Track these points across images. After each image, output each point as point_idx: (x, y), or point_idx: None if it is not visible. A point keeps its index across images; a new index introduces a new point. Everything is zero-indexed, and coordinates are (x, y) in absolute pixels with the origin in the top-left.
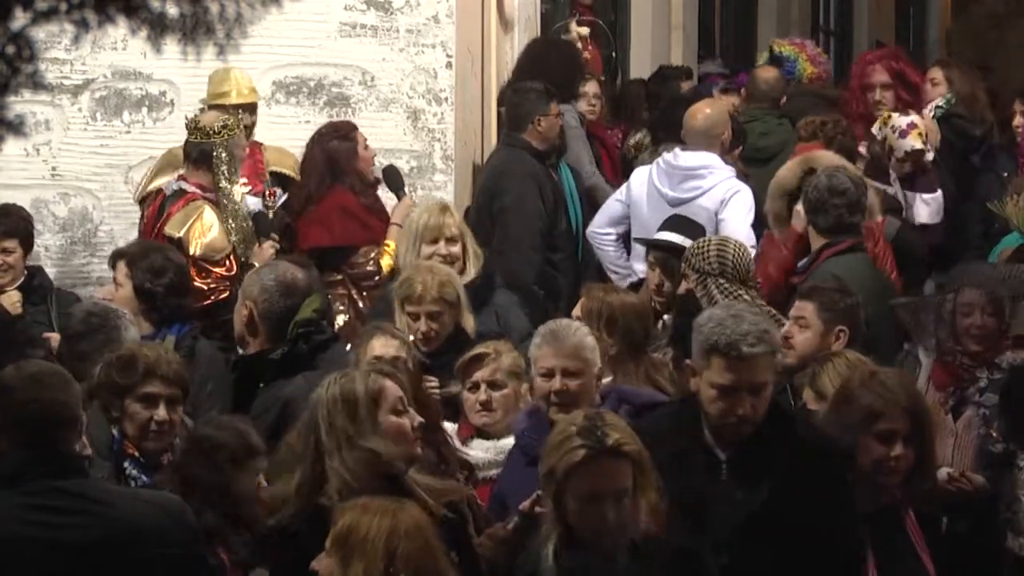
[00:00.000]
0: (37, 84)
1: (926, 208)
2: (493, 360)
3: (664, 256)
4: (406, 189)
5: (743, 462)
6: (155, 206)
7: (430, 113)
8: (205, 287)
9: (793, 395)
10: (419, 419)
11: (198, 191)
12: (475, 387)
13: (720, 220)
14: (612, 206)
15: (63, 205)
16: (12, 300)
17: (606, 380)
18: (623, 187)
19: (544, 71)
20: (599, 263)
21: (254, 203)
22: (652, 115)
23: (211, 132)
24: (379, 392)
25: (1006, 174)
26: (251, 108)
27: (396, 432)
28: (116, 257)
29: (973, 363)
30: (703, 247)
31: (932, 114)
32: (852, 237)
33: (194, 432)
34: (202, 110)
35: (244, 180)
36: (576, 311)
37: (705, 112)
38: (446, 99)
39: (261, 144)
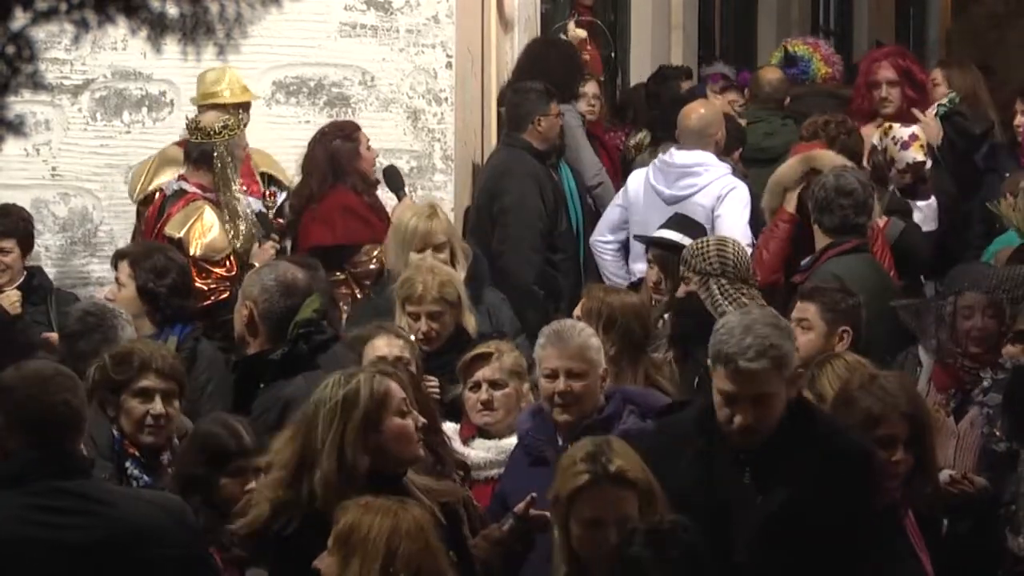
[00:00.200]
0: (37, 84)
1: (919, 215)
2: (495, 359)
3: (663, 254)
4: (406, 189)
5: (766, 464)
6: (155, 206)
7: (430, 113)
8: (205, 287)
9: None
10: (422, 420)
11: (198, 191)
12: (477, 387)
13: (716, 217)
14: (611, 212)
15: (63, 205)
16: (11, 300)
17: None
18: (621, 191)
19: (544, 71)
20: None
21: (254, 203)
22: (651, 115)
23: (212, 132)
24: (384, 394)
25: (1007, 174)
26: (245, 107)
27: (400, 434)
28: (118, 257)
29: (974, 364)
30: (703, 248)
31: (935, 112)
32: (857, 238)
33: (192, 429)
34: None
35: (239, 180)
36: (577, 311)
37: (699, 112)
38: (446, 99)
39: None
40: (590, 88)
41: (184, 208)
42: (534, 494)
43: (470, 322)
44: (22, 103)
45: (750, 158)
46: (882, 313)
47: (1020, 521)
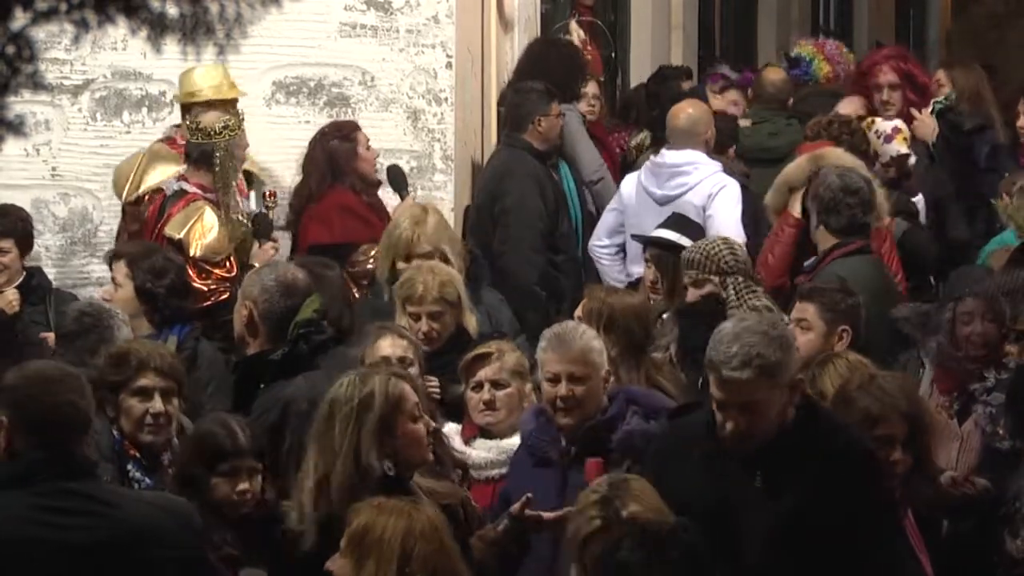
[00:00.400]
0: (37, 84)
1: None
2: (496, 359)
3: (660, 253)
4: (408, 189)
5: (777, 467)
6: (156, 206)
7: (430, 113)
8: (205, 288)
9: None
10: (433, 424)
11: (199, 191)
12: (479, 386)
13: (708, 215)
14: (607, 217)
15: (63, 205)
16: (8, 299)
17: None
18: (615, 195)
19: (544, 71)
20: None
21: (254, 203)
22: (652, 115)
23: (212, 132)
24: (399, 398)
25: (1007, 174)
26: (232, 104)
27: (412, 439)
28: (114, 257)
29: (976, 367)
30: (714, 249)
31: (931, 110)
32: (862, 238)
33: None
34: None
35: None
36: (578, 312)
37: (687, 112)
38: (446, 99)
39: None
40: (590, 88)
41: (185, 208)
42: (529, 495)
43: (471, 322)
44: (22, 103)
45: (755, 158)
46: (884, 314)
47: (1019, 523)
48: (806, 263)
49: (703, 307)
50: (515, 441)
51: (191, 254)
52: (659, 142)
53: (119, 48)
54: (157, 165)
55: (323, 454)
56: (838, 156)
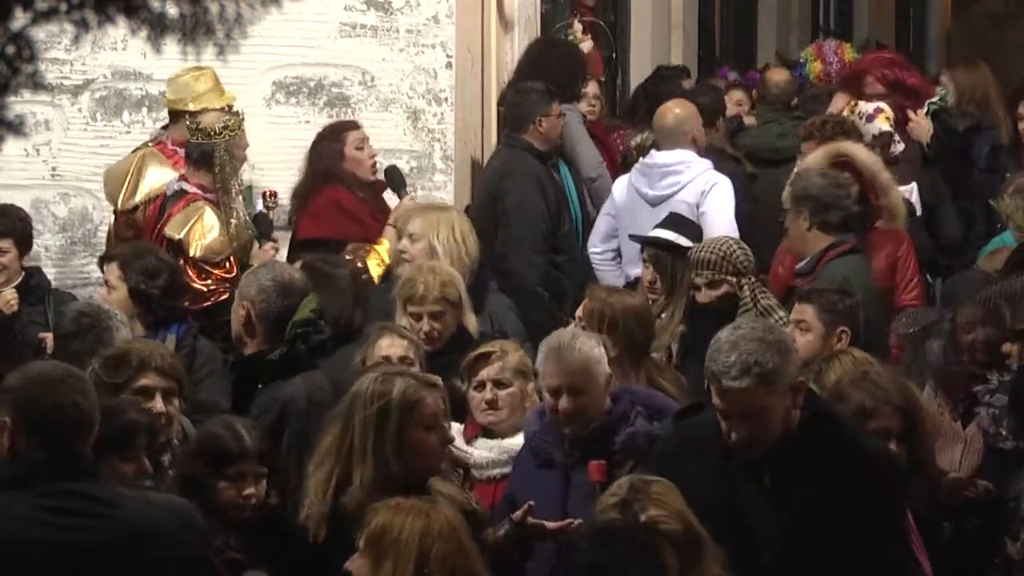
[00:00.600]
0: (37, 84)
1: None
2: (499, 358)
3: (658, 253)
4: (407, 189)
5: (785, 468)
6: (156, 207)
7: (430, 113)
8: (205, 288)
9: None
10: (451, 435)
11: (199, 192)
12: (481, 386)
13: (701, 212)
14: (601, 222)
15: (63, 205)
16: (6, 299)
17: None
18: (608, 200)
19: (545, 71)
20: None
21: (261, 205)
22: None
23: (212, 133)
24: (414, 404)
25: (1008, 174)
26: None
27: (419, 447)
28: (106, 259)
29: (980, 370)
30: (730, 250)
31: (925, 111)
32: (855, 236)
33: (196, 430)
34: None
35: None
36: (579, 312)
37: (674, 112)
38: (446, 99)
39: None
40: (590, 88)
41: (185, 209)
42: (532, 502)
43: (471, 322)
44: (22, 103)
45: (763, 159)
46: (882, 315)
47: (1018, 525)
48: (798, 265)
49: (719, 307)
50: (517, 440)
51: (191, 254)
52: None
53: (119, 48)
54: (151, 165)
55: (339, 449)
56: (852, 147)
